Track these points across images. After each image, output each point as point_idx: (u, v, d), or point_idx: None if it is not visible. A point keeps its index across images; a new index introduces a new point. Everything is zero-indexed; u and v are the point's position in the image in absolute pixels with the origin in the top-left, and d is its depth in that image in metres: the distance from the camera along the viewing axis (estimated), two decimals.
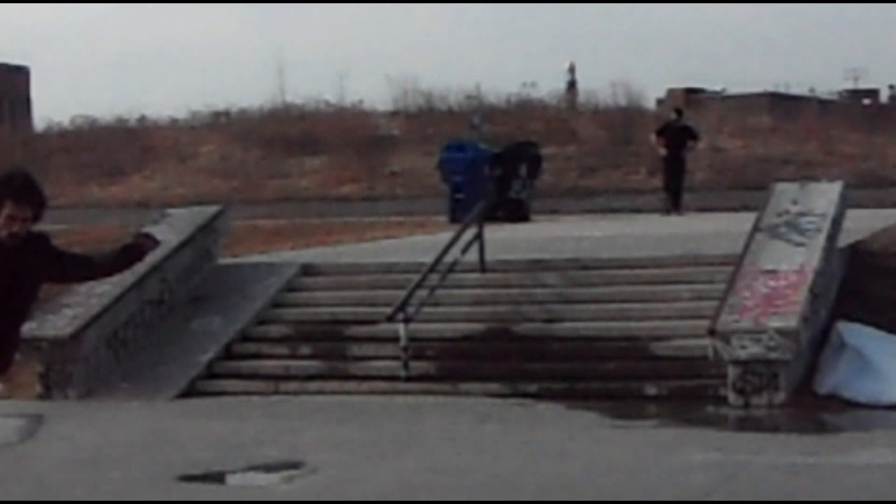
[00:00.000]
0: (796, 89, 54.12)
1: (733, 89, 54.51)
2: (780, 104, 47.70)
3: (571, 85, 41.53)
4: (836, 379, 10.76)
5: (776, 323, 10.53)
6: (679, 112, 24.99)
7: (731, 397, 10.51)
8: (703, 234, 16.05)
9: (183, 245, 13.84)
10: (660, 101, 49.86)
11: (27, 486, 8.67)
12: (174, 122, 39.88)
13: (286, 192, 31.05)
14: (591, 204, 25.37)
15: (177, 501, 8.19)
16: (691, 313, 11.53)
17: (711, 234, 15.46)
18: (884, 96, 60.82)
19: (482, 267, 12.98)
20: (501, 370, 11.55)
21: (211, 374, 12.26)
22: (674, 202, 23.11)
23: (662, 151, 23.60)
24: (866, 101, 56.04)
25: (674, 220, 21.64)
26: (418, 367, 11.62)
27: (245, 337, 12.78)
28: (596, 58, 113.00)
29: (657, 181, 29.53)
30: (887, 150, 30.95)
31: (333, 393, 11.61)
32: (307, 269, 14.02)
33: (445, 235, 14.12)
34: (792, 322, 10.55)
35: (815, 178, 16.42)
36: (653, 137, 23.93)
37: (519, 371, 11.51)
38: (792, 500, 7.65)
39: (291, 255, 15.52)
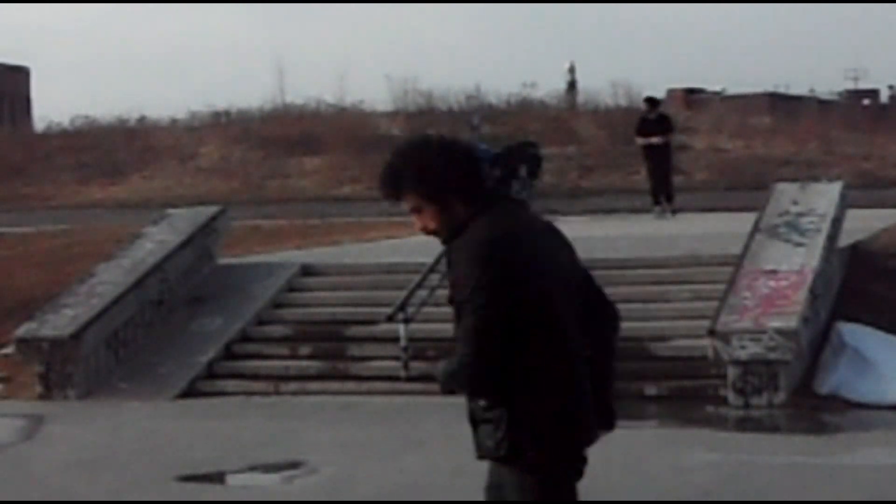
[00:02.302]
0: (796, 89, 54.18)
1: (733, 89, 54.53)
2: (780, 104, 47.71)
3: (571, 85, 41.45)
4: (836, 379, 10.76)
5: (776, 323, 10.52)
6: (652, 102, 22.46)
7: (731, 397, 10.51)
8: (703, 234, 16.04)
9: (183, 245, 13.84)
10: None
11: (27, 486, 8.67)
12: (174, 122, 39.86)
13: (286, 192, 31.02)
14: (591, 204, 25.34)
15: (177, 501, 8.19)
16: (691, 313, 11.53)
17: (711, 235, 15.46)
18: (884, 96, 60.85)
19: None
20: None
21: (211, 374, 12.26)
22: (666, 199, 21.48)
23: (641, 141, 21.50)
24: (866, 101, 56.04)
25: (668, 221, 20.50)
26: (418, 367, 11.61)
27: (245, 337, 12.78)
28: (596, 58, 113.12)
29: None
30: (887, 150, 30.93)
31: (333, 393, 11.61)
32: (307, 269, 14.02)
33: None
34: (792, 322, 10.54)
35: (815, 178, 16.42)
36: (639, 141, 21.72)
37: None
38: (792, 500, 7.65)
39: (291, 255, 15.51)
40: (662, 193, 21.53)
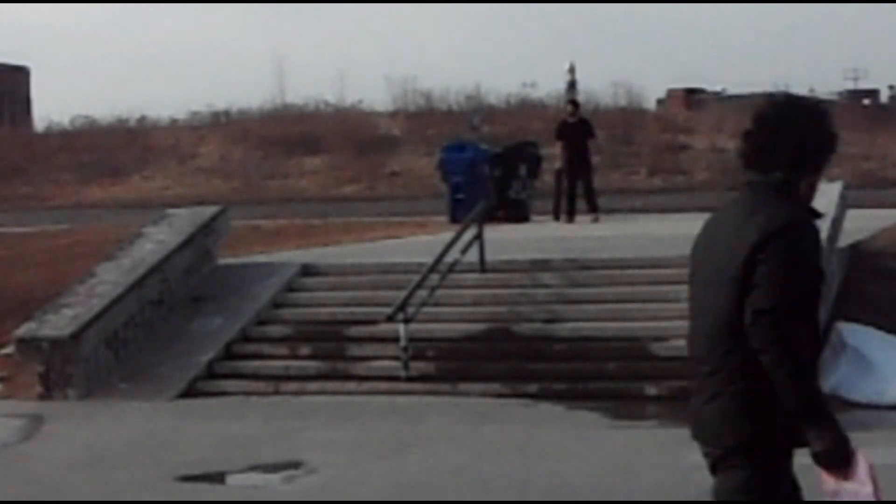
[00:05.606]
0: (796, 89, 54.13)
1: (733, 89, 54.59)
2: None
3: (572, 85, 41.44)
4: (836, 379, 10.76)
5: None
6: (574, 104, 22.65)
7: None
8: None
9: (183, 245, 13.83)
10: (660, 101, 49.88)
11: (27, 486, 8.67)
12: (174, 122, 39.94)
13: (286, 192, 31.06)
14: None
15: (177, 501, 8.20)
16: None
17: None
18: (884, 96, 60.93)
19: (482, 267, 12.97)
20: (501, 370, 11.54)
21: (211, 374, 12.26)
22: (590, 206, 21.19)
23: (558, 164, 21.18)
24: (866, 101, 56.06)
25: (600, 224, 20.15)
26: (418, 367, 11.62)
27: (245, 337, 12.77)
28: (596, 58, 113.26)
29: (658, 181, 29.40)
30: (887, 150, 30.97)
31: (333, 393, 11.60)
32: (307, 270, 14.01)
33: (445, 235, 14.12)
34: None
35: None
36: (558, 147, 21.17)
37: (519, 371, 11.50)
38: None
39: (291, 256, 15.51)
40: (586, 202, 21.11)
